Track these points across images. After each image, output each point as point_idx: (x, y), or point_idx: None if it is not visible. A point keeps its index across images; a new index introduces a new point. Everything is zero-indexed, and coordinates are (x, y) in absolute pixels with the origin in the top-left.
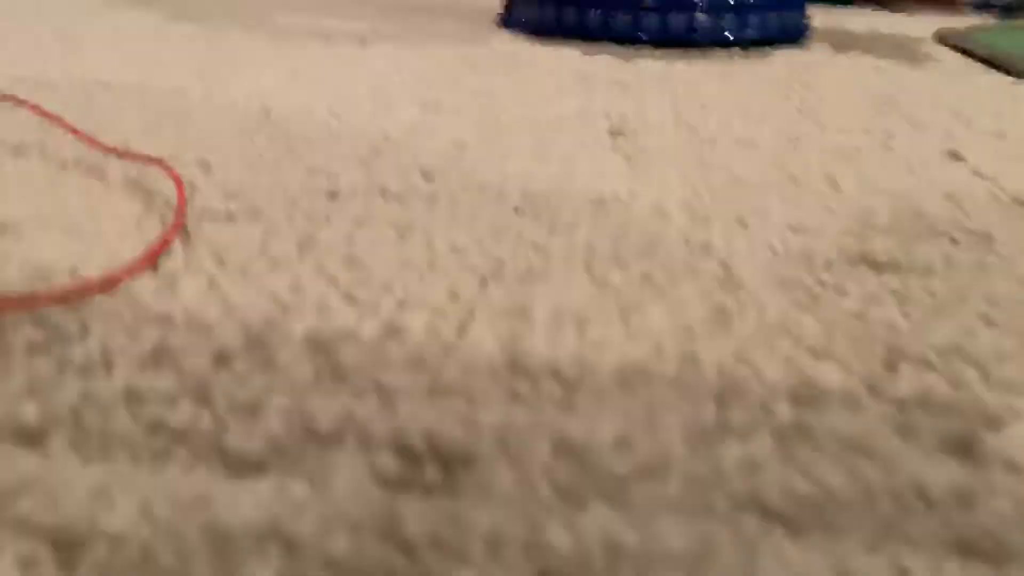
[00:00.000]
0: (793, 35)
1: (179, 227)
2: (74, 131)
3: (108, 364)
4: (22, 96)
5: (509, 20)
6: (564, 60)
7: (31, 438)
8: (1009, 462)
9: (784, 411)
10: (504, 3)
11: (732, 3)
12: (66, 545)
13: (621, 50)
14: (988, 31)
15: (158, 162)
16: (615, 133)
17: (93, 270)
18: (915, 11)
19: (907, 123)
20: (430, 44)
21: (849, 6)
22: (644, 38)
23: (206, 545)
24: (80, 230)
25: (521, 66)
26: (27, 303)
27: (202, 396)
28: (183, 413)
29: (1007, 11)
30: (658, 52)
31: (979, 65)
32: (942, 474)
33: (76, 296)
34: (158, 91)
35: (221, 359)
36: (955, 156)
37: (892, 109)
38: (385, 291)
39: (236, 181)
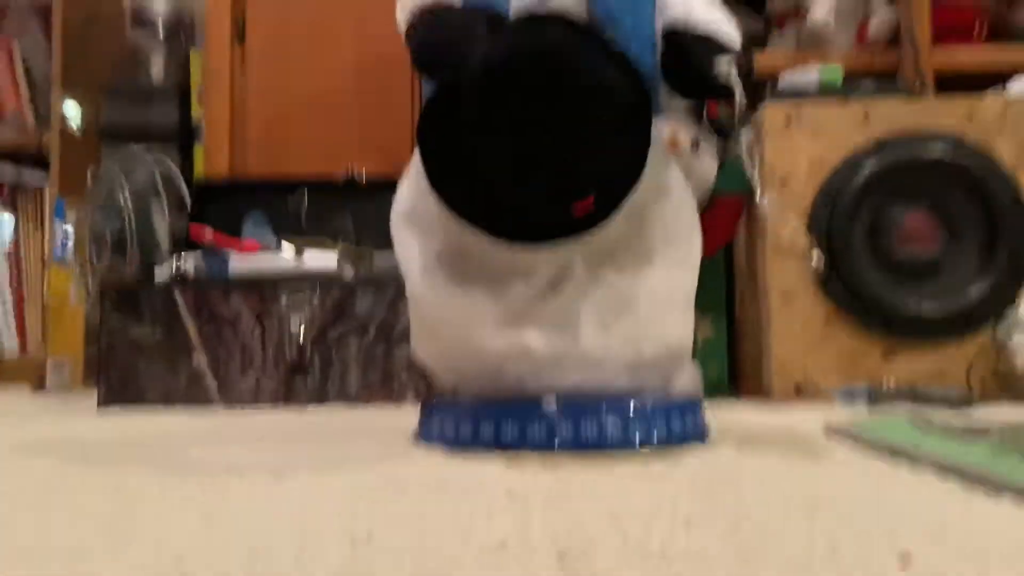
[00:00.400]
0: (697, 435)
1: None
2: None
3: None
4: None
5: (426, 435)
6: (489, 476)
7: None
8: None
9: None
10: (420, 419)
11: (639, 409)
12: None
13: (540, 459)
14: (872, 423)
15: None
16: (563, 556)
17: None
18: (791, 404)
19: (842, 526)
20: (349, 469)
21: (735, 399)
22: (558, 447)
23: None
24: None
25: (448, 485)
26: None
27: None
28: None
29: (873, 400)
30: (577, 459)
31: (877, 458)
32: None
33: None
34: (55, 555)
35: None
36: (907, 562)
37: (821, 510)
38: None
39: None
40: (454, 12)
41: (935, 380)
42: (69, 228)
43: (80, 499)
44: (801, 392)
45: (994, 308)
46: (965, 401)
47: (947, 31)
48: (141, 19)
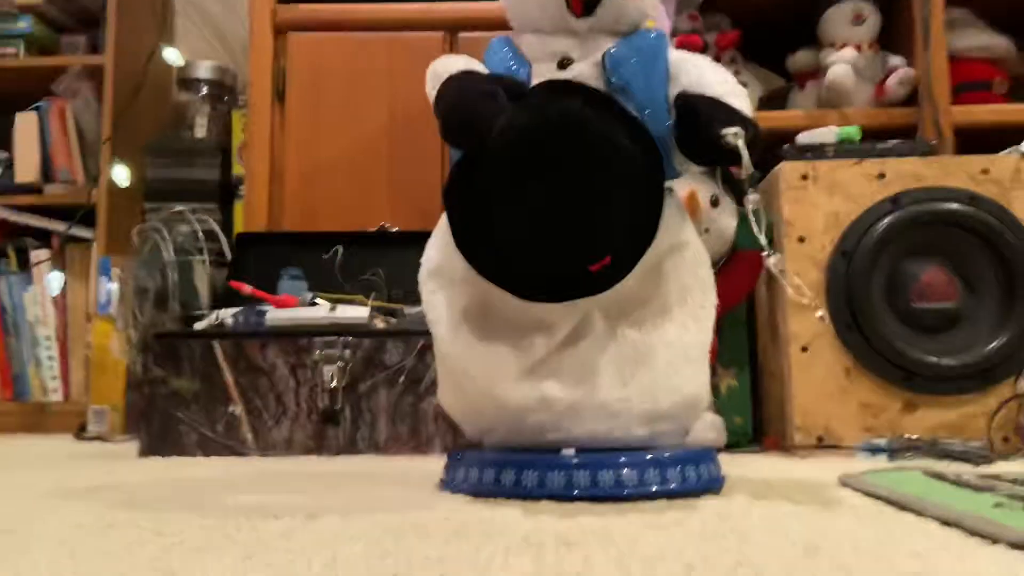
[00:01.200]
0: (712, 485)
1: None
2: None
3: None
4: None
5: (450, 483)
6: (507, 521)
7: None
8: None
9: None
10: (445, 467)
11: (654, 459)
12: None
13: (558, 507)
14: (885, 475)
15: None
16: None
17: None
18: (812, 455)
19: (837, 569)
20: (377, 512)
21: (758, 450)
22: (576, 495)
23: None
24: None
25: (468, 529)
26: None
27: None
28: None
29: (893, 454)
30: (594, 508)
31: (886, 507)
32: None
33: None
34: None
35: None
36: None
37: (821, 555)
38: None
39: None
40: (478, 81)
41: (957, 433)
42: (113, 286)
43: (124, 540)
44: (823, 444)
45: (1015, 361)
46: (985, 455)
47: (967, 88)
48: (187, 82)
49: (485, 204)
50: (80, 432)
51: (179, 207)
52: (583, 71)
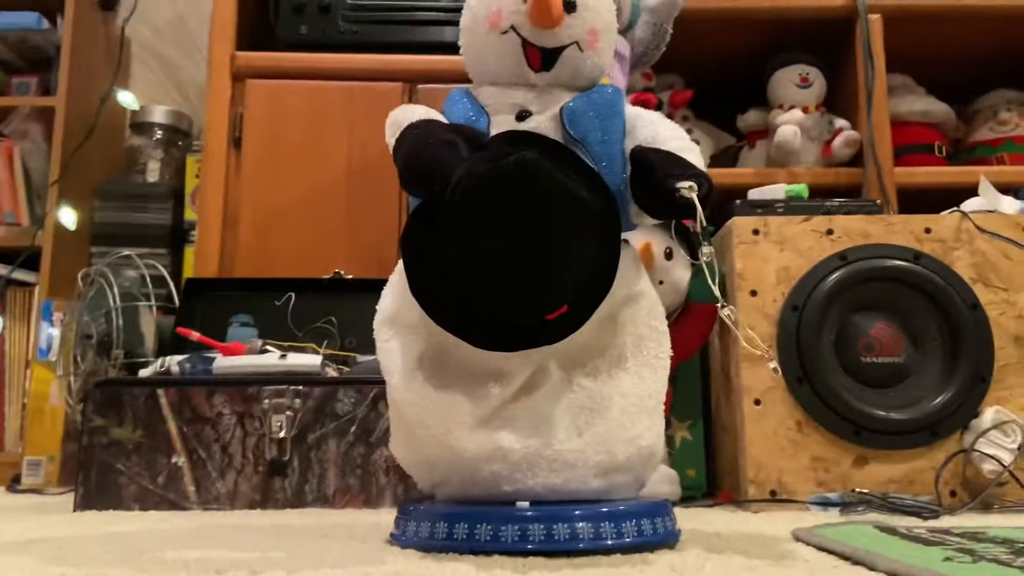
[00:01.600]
0: (668, 539)
1: None
2: None
3: None
4: None
5: (401, 537)
6: None
7: None
8: None
9: None
10: (396, 520)
11: (609, 512)
12: None
13: (511, 562)
14: (837, 529)
15: None
16: None
17: None
18: (765, 509)
19: None
20: (324, 568)
21: (712, 504)
22: (531, 549)
23: None
24: None
25: None
26: None
27: None
28: None
29: (845, 508)
30: (548, 563)
31: (839, 561)
32: None
33: None
34: None
35: None
36: None
37: None
38: None
39: None
40: (438, 129)
41: (906, 487)
42: (55, 331)
43: None
44: (776, 497)
45: (960, 415)
46: (934, 510)
47: (908, 150)
48: (141, 126)
49: (442, 252)
50: (14, 484)
51: (127, 251)
52: (541, 123)
